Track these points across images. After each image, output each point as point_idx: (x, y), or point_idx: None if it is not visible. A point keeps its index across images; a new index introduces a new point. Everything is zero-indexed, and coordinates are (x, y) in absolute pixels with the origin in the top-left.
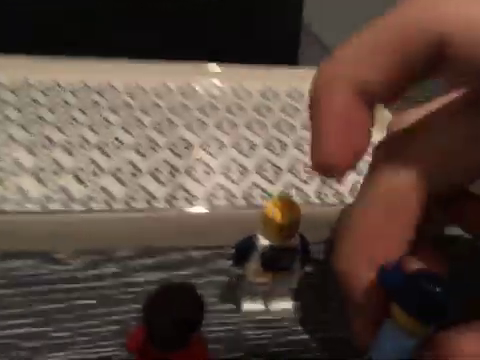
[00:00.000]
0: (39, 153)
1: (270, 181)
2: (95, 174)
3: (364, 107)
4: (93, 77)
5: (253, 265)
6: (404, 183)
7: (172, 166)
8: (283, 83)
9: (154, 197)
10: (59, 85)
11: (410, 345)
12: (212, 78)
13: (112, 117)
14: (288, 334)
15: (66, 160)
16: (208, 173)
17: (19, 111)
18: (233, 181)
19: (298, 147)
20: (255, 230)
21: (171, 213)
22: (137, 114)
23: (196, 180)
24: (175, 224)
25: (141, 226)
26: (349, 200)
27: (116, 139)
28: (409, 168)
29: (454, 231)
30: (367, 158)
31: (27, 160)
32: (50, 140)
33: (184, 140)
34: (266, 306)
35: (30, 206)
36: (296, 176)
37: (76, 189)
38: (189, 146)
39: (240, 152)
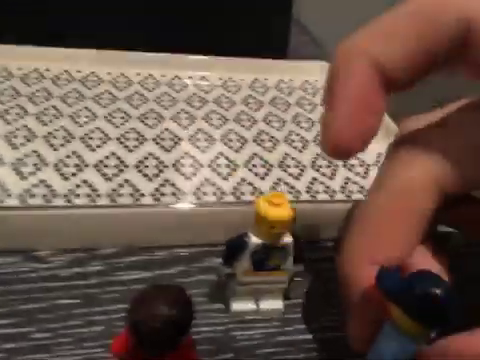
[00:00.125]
0: (19, 145)
1: (260, 177)
2: (78, 168)
3: (380, 91)
4: (77, 66)
5: (244, 264)
6: (420, 181)
7: (159, 160)
8: (272, 75)
9: (140, 192)
10: (41, 74)
11: (411, 349)
12: (200, 70)
13: (96, 108)
14: (279, 334)
15: (47, 153)
16: (196, 168)
17: None
18: (222, 176)
19: (288, 142)
20: (244, 227)
21: (157, 209)
22: (122, 106)
23: (183, 175)
24: (161, 220)
25: (126, 222)
26: (340, 196)
27: (100, 131)
28: (426, 166)
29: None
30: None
31: (6, 152)
32: (31, 131)
33: (171, 133)
34: (256, 306)
35: (9, 201)
36: (286, 172)
37: (58, 183)
38: (176, 140)
39: (229, 146)
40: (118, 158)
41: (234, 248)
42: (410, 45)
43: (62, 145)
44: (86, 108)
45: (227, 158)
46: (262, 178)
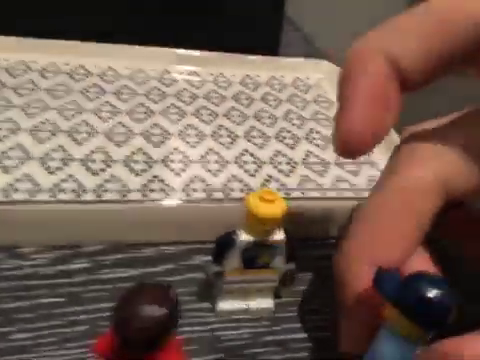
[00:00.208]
0: (2, 137)
1: (250, 173)
2: (64, 162)
3: (397, 89)
4: (65, 59)
5: (233, 261)
6: (422, 182)
7: (147, 155)
8: (263, 72)
9: (127, 188)
10: (28, 66)
11: (410, 352)
12: (191, 65)
13: (84, 102)
14: (267, 334)
15: (32, 146)
16: (185, 164)
17: None
18: (212, 173)
19: (279, 138)
20: (234, 224)
21: (145, 205)
22: (111, 100)
23: (172, 171)
24: (149, 217)
25: (112, 219)
26: (331, 194)
27: (87, 125)
28: (429, 166)
29: None
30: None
31: None
32: (16, 124)
33: (160, 128)
34: (245, 305)
35: None
36: (277, 169)
37: (43, 178)
38: (166, 135)
39: (219, 142)
40: (105, 153)
41: (223, 245)
42: (426, 45)
43: (48, 139)
44: (73, 101)
45: (218, 154)
46: (252, 175)
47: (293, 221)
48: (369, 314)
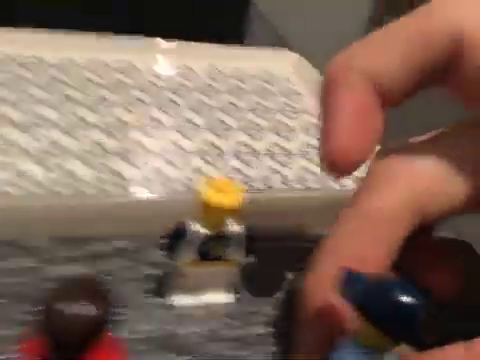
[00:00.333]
0: None
1: (213, 165)
2: (15, 155)
3: (378, 105)
4: (19, 49)
5: (185, 254)
6: (393, 207)
7: (104, 148)
8: (229, 63)
9: (82, 181)
10: None
11: None
12: (154, 55)
13: (39, 93)
14: (223, 329)
15: None
16: (145, 156)
17: None
18: (172, 166)
19: (244, 130)
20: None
21: (97, 199)
22: (68, 91)
23: (131, 164)
24: (101, 211)
25: (61, 212)
26: (296, 185)
27: (41, 118)
28: (404, 190)
29: None
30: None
31: None
32: None
33: (120, 120)
34: (200, 300)
35: None
36: (241, 161)
37: None
38: (124, 127)
39: (181, 134)
40: (59, 146)
41: (173, 237)
42: (405, 57)
43: None
44: (29, 94)
45: (180, 147)
46: (216, 168)
47: (255, 213)
48: (328, 326)
